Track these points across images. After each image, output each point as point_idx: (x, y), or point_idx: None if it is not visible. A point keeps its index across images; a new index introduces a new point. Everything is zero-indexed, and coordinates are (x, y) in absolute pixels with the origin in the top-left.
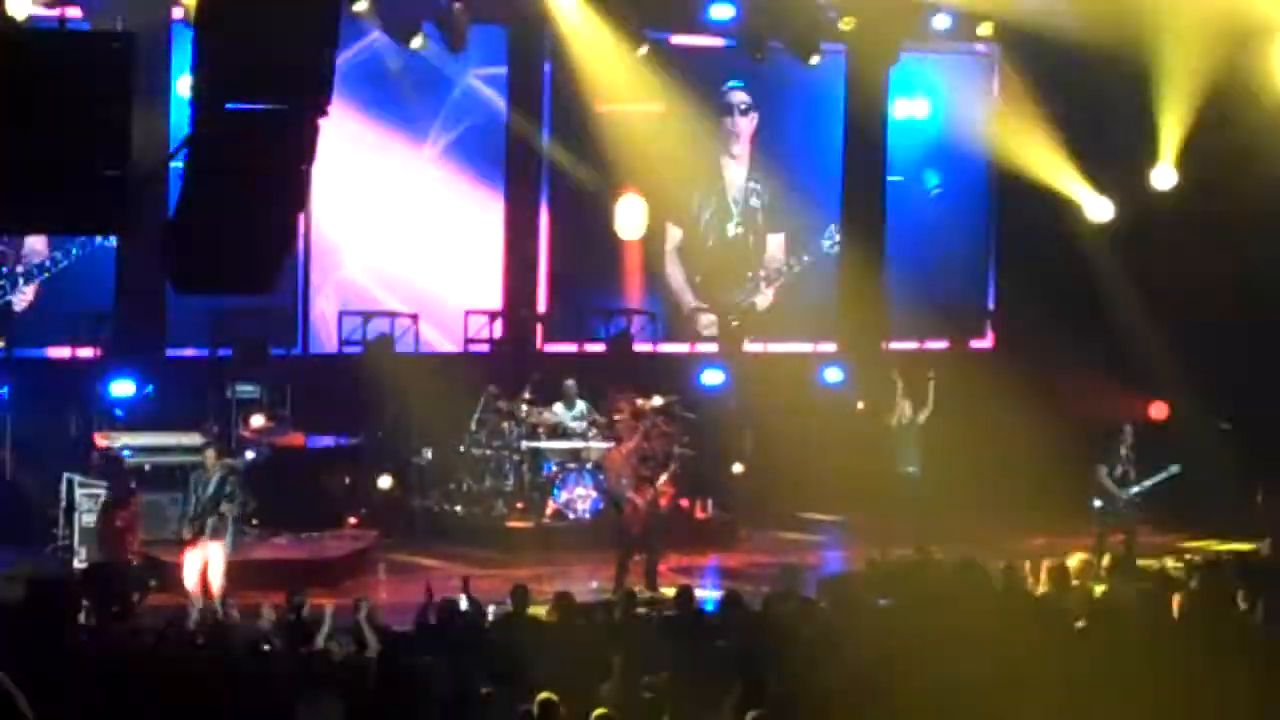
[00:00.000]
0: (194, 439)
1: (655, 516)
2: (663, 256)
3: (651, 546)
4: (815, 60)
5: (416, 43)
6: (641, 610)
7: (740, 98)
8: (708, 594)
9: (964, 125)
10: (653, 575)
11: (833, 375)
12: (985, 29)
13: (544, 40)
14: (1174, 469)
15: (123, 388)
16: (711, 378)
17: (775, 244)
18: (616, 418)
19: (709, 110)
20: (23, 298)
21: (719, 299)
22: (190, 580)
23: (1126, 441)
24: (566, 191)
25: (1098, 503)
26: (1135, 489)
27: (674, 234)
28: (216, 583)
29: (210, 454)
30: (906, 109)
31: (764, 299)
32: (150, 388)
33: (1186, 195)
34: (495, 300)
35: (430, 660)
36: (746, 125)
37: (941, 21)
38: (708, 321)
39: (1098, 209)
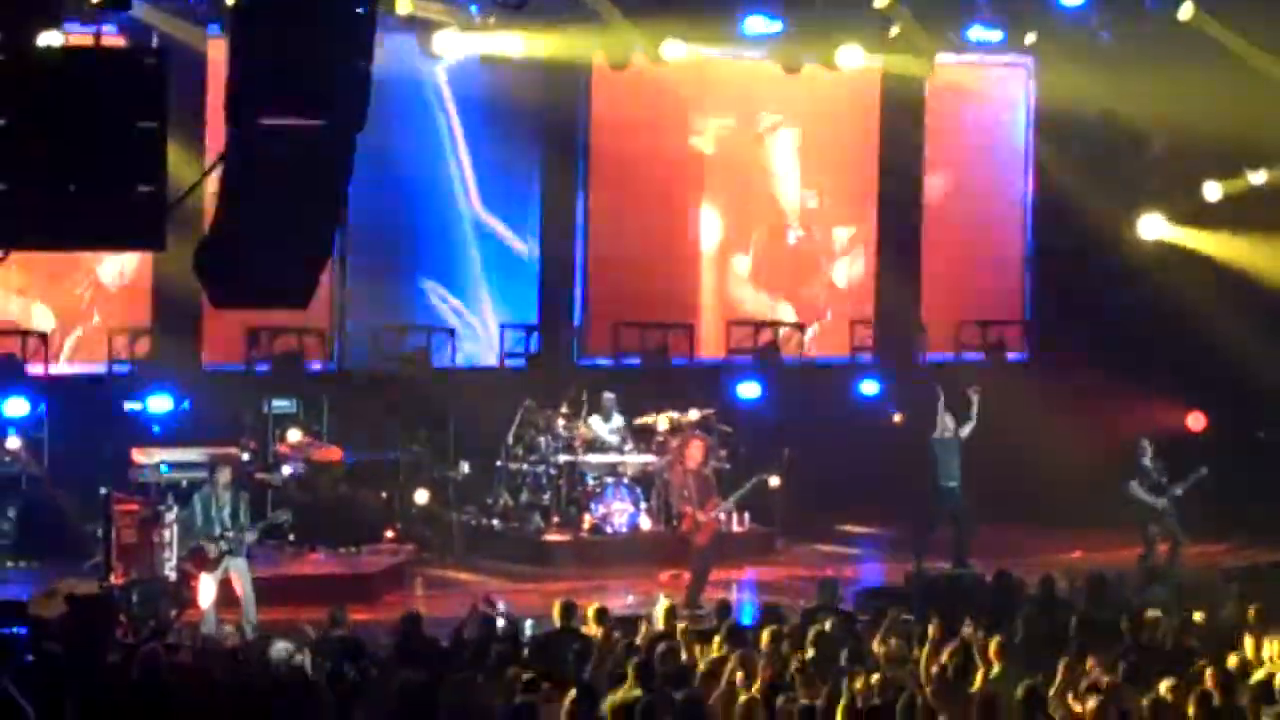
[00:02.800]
0: (231, 454)
1: (715, 533)
2: (729, 268)
3: (705, 562)
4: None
5: None
6: (681, 624)
7: (772, 119)
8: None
9: (1002, 137)
10: (697, 591)
11: (869, 388)
12: (1030, 38)
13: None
14: (1202, 470)
15: (159, 403)
16: (748, 390)
17: (843, 235)
18: (671, 432)
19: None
20: None
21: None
22: (206, 600)
23: (1146, 454)
24: (613, 202)
25: (1152, 527)
26: (1169, 493)
27: (740, 260)
28: (249, 600)
29: (226, 473)
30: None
31: (841, 275)
32: (187, 403)
33: (1229, 207)
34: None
35: (470, 673)
36: (788, 141)
37: (978, 33)
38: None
39: (1148, 227)
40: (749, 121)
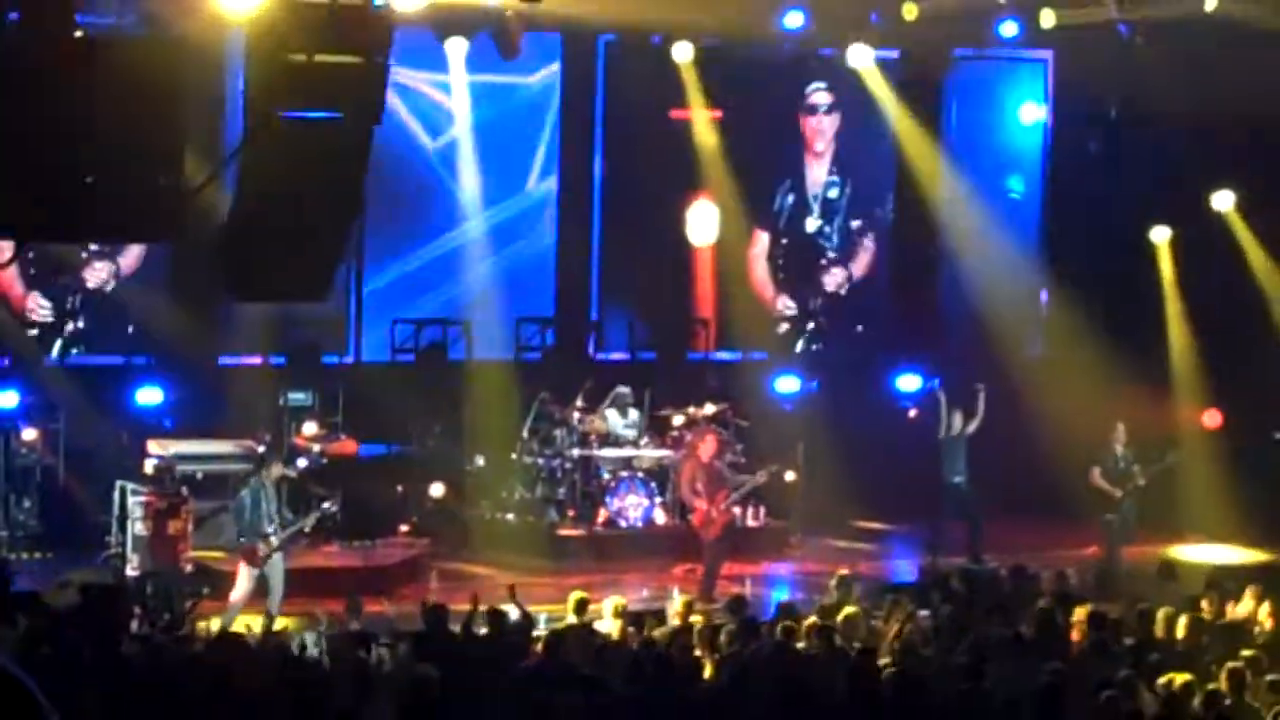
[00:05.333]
0: (246, 447)
1: (728, 527)
2: (746, 260)
3: (717, 556)
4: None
5: None
6: (696, 619)
7: (823, 98)
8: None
9: (1018, 129)
10: (711, 585)
11: (908, 383)
12: (1048, 22)
13: (597, 48)
14: (1169, 460)
15: (176, 395)
16: (786, 385)
17: (858, 227)
18: (686, 426)
19: (787, 111)
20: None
21: (796, 287)
22: (239, 593)
23: (1120, 440)
24: (625, 197)
25: (1107, 515)
26: (1132, 484)
27: (761, 238)
28: (278, 592)
29: (277, 467)
30: (1032, 114)
31: (832, 278)
32: (203, 395)
33: (1244, 211)
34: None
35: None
36: (829, 125)
37: (1009, 29)
38: (786, 307)
39: (1156, 233)
40: (792, 107)
